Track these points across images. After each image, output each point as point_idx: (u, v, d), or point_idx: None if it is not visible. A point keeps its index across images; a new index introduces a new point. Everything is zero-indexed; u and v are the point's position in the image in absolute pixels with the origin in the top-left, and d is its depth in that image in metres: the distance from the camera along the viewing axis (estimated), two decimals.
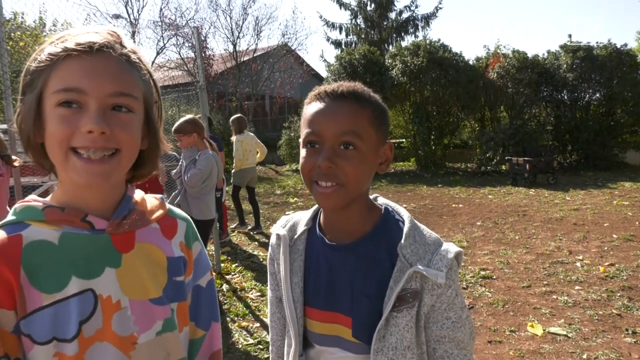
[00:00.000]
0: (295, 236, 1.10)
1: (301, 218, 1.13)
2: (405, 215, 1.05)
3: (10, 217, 0.85)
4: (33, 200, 0.87)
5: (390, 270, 0.97)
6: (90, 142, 0.78)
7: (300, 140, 1.01)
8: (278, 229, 1.13)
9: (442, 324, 0.98)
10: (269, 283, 1.19)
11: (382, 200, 1.10)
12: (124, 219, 0.88)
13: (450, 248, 0.99)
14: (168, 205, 1.00)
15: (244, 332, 3.76)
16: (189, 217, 1.03)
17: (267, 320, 3.86)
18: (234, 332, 3.80)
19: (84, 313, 0.82)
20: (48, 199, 0.88)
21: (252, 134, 7.80)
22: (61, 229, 0.84)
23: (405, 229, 1.00)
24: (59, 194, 0.88)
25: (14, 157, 3.67)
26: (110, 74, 0.80)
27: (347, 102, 0.97)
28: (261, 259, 5.81)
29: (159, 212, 0.96)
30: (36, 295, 0.80)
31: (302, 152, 1.00)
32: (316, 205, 1.11)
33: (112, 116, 0.80)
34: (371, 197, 1.09)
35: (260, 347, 3.50)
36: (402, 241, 0.98)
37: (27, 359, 0.81)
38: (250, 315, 4.10)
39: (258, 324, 3.90)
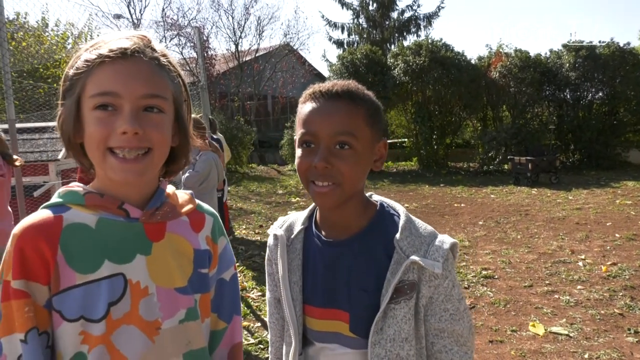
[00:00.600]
0: (292, 236, 1.10)
1: (297, 218, 1.14)
2: (400, 209, 1.06)
3: (55, 199, 0.91)
4: (76, 186, 0.93)
5: (387, 264, 0.98)
6: (125, 142, 0.84)
7: (296, 139, 1.02)
8: (275, 229, 1.14)
9: (440, 316, 0.98)
10: (267, 284, 1.20)
11: (377, 197, 1.11)
12: (156, 210, 0.94)
13: (446, 239, 0.99)
14: (197, 201, 1.05)
15: (245, 332, 3.76)
16: (216, 213, 1.08)
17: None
18: None
19: (113, 295, 0.87)
20: (88, 186, 0.94)
21: (222, 135, 7.75)
22: (98, 214, 0.90)
23: (401, 222, 1.01)
24: (98, 183, 0.93)
25: (15, 157, 3.67)
26: (142, 77, 0.85)
27: (342, 102, 0.98)
28: (262, 259, 5.81)
29: (189, 207, 1.01)
30: (70, 274, 0.85)
31: (298, 151, 1.01)
32: (312, 205, 1.12)
33: (144, 117, 0.85)
34: (367, 194, 1.10)
35: (261, 346, 3.50)
36: (399, 234, 0.99)
37: (55, 335, 0.86)
38: (251, 315, 4.10)
39: (259, 324, 3.90)
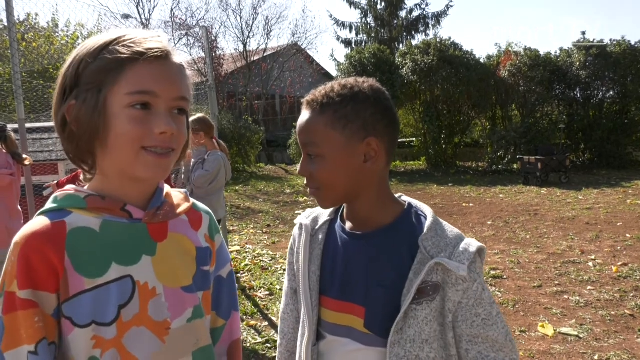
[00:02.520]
0: (317, 226, 1.12)
1: (325, 211, 1.15)
2: (428, 211, 1.05)
3: (50, 204, 0.89)
4: (73, 189, 0.91)
5: (409, 262, 0.97)
6: (161, 142, 0.85)
7: None
8: (302, 219, 1.16)
9: (472, 321, 0.96)
10: (286, 273, 1.21)
11: (406, 198, 1.11)
12: (157, 209, 0.93)
13: (472, 242, 0.98)
14: (192, 200, 1.05)
15: (253, 331, 3.76)
16: (210, 211, 1.09)
17: (276, 319, 3.87)
18: (242, 331, 3.80)
19: (123, 298, 0.86)
20: (85, 188, 0.92)
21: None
22: (101, 216, 0.88)
23: (428, 222, 1.00)
24: (97, 184, 0.91)
25: (25, 156, 3.71)
26: (176, 79, 0.87)
27: (308, 111, 1.01)
28: (270, 258, 5.82)
29: (185, 205, 1.01)
30: (79, 279, 0.84)
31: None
32: None
33: (174, 118, 0.87)
34: (396, 195, 1.10)
35: (269, 345, 3.50)
36: (424, 234, 0.98)
37: (66, 342, 0.84)
38: (258, 314, 4.10)
39: (266, 323, 3.90)
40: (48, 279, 0.82)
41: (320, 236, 1.10)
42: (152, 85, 0.83)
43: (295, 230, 1.17)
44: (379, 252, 1.01)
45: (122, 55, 0.83)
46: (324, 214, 1.14)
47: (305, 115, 1.02)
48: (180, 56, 0.92)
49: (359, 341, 1.01)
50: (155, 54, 0.84)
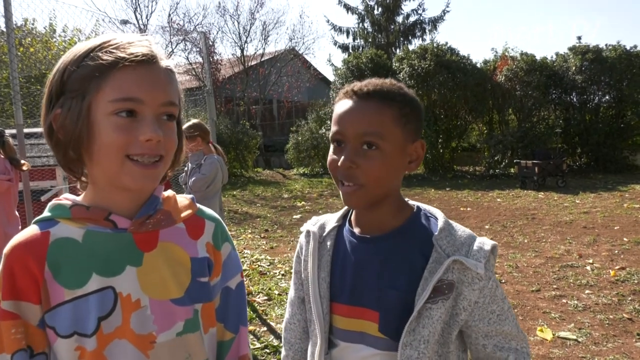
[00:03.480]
0: (325, 233, 1.10)
1: (331, 217, 1.14)
2: (438, 214, 1.05)
3: (45, 213, 0.89)
4: (64, 198, 0.90)
5: (423, 263, 0.97)
6: (147, 150, 0.82)
7: (329, 136, 1.03)
8: (308, 226, 1.13)
9: (489, 319, 0.97)
10: (292, 282, 1.18)
11: (413, 202, 1.10)
12: (148, 218, 0.90)
13: (486, 241, 0.99)
14: (198, 205, 1.01)
15: (251, 337, 3.75)
16: (219, 218, 1.04)
17: (275, 324, 3.86)
18: None
19: (103, 310, 0.84)
20: (79, 197, 0.91)
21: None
22: (85, 227, 0.87)
23: (440, 223, 1.00)
24: (89, 193, 0.90)
25: (22, 161, 3.70)
26: (162, 84, 0.84)
27: (372, 102, 0.97)
28: (268, 263, 5.81)
29: (187, 212, 0.97)
30: (59, 290, 0.83)
31: (331, 148, 1.02)
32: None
33: (162, 124, 0.84)
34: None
35: (267, 351, 3.49)
36: (437, 233, 0.98)
37: (53, 351, 0.85)
38: (257, 319, 4.09)
39: (265, 328, 3.89)
40: (30, 290, 0.82)
41: (329, 242, 1.08)
42: (136, 91, 0.81)
43: (302, 238, 1.15)
44: (390, 255, 1.00)
45: (104, 62, 0.80)
46: (331, 221, 1.12)
47: (365, 103, 0.97)
48: (170, 60, 0.89)
49: (373, 346, 1.00)
50: (138, 58, 0.81)
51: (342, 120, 0.98)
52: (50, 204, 0.90)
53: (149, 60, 0.83)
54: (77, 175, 0.89)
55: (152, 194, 0.93)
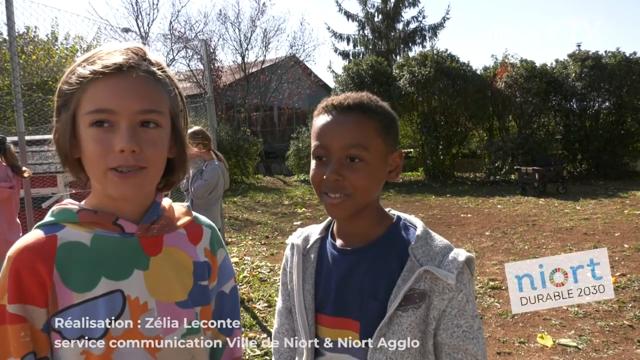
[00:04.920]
0: (309, 245, 1.12)
1: (315, 229, 1.15)
2: (417, 222, 1.06)
3: (48, 218, 0.90)
4: (69, 203, 0.91)
5: (399, 272, 0.98)
6: (123, 161, 0.82)
7: (311, 151, 1.04)
8: (293, 238, 1.15)
9: (452, 331, 0.96)
10: (280, 293, 1.20)
11: (394, 212, 1.12)
12: (152, 223, 0.92)
13: (461, 252, 0.99)
14: (194, 213, 1.04)
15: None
16: (214, 225, 1.07)
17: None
18: None
19: (112, 313, 0.85)
20: (83, 203, 0.92)
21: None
22: (93, 231, 0.88)
23: (418, 232, 1.02)
24: (93, 199, 0.92)
25: (24, 168, 3.72)
26: (138, 92, 0.83)
27: (353, 115, 0.99)
28: (268, 270, 5.80)
29: (186, 219, 1.00)
30: (68, 293, 0.84)
31: (312, 163, 1.03)
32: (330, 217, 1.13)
33: (141, 133, 0.84)
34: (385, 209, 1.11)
35: (267, 358, 3.48)
36: (414, 242, 1.00)
37: (56, 356, 0.84)
38: (257, 326, 4.09)
39: (265, 335, 3.89)
40: (37, 293, 0.83)
41: (312, 255, 1.09)
42: (107, 102, 0.81)
43: (287, 251, 1.16)
44: (370, 266, 1.01)
45: (82, 75, 0.83)
46: (314, 233, 1.14)
47: (346, 117, 0.98)
48: (160, 67, 0.89)
49: (357, 356, 1.01)
50: (109, 70, 0.82)
51: (324, 135, 0.99)
52: (53, 208, 0.91)
53: (125, 70, 0.83)
54: (82, 182, 0.92)
55: (154, 201, 0.95)
